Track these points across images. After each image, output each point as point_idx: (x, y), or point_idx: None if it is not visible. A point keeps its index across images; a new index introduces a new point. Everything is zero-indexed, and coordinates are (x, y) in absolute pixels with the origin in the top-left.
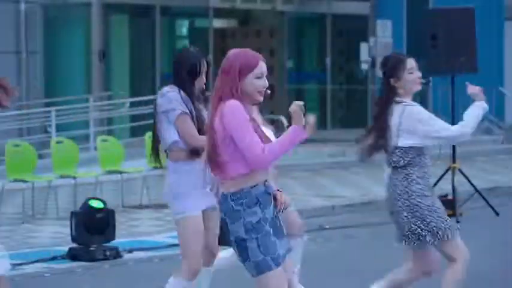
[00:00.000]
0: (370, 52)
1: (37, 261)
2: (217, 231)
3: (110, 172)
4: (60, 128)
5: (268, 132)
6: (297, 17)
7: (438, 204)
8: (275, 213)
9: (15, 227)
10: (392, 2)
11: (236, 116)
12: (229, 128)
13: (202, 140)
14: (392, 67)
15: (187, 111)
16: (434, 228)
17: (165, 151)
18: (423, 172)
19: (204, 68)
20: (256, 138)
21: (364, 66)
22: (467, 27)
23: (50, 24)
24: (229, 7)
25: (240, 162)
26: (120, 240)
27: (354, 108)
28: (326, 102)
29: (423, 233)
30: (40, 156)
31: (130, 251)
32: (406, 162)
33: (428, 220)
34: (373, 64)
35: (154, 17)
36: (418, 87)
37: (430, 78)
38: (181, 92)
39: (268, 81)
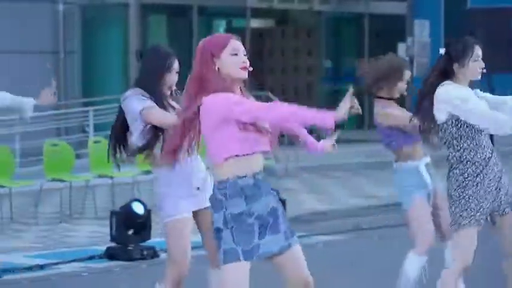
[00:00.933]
0: (408, 52)
1: (74, 260)
2: None
3: (147, 172)
4: (97, 128)
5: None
6: (334, 16)
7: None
8: (271, 207)
9: (52, 226)
10: (429, 2)
11: (222, 97)
12: (219, 112)
13: (172, 119)
14: (459, 51)
15: (150, 104)
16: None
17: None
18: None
19: (174, 65)
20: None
21: None
22: (505, 27)
23: (87, 25)
24: (266, 7)
25: (224, 147)
26: (157, 239)
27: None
28: (363, 102)
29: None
30: (78, 156)
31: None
32: None
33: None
34: (410, 64)
35: (192, 17)
36: (477, 76)
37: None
38: (144, 93)
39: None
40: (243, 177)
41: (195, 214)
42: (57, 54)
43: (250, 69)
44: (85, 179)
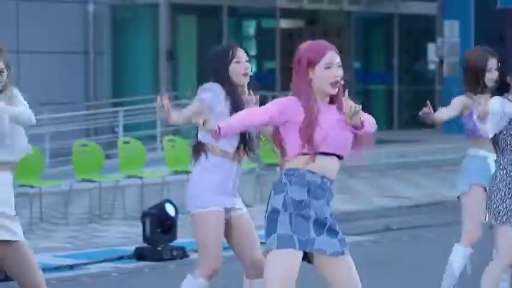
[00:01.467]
0: (437, 52)
1: (104, 260)
2: (255, 236)
3: (176, 172)
4: (127, 128)
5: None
6: (364, 17)
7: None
8: (326, 217)
9: (82, 226)
10: (459, 2)
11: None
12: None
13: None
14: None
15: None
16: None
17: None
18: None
19: (238, 54)
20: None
21: (432, 67)
22: None
23: (117, 25)
24: (296, 7)
25: (297, 144)
26: (186, 240)
27: (421, 109)
28: (393, 103)
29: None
30: (107, 157)
31: (197, 251)
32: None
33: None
34: (440, 64)
35: (222, 17)
36: None
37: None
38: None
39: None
40: (312, 172)
41: (228, 221)
42: (87, 54)
43: (342, 82)
44: (114, 179)
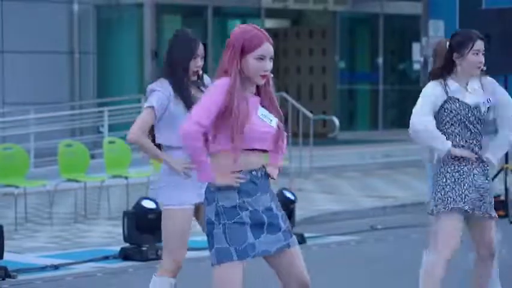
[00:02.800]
0: (422, 52)
1: (89, 260)
2: None
3: None
4: (112, 128)
5: (264, 118)
6: (349, 17)
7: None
8: (266, 207)
9: (67, 226)
10: (444, 2)
11: (211, 91)
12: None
13: (132, 133)
14: (459, 41)
15: (156, 105)
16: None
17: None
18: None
19: (199, 50)
20: (199, 112)
21: (417, 66)
22: None
23: (102, 25)
24: (281, 7)
25: (221, 139)
26: None
27: (406, 109)
28: (378, 103)
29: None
30: (92, 156)
31: None
32: None
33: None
34: (425, 64)
35: (207, 17)
36: (476, 72)
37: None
38: (171, 86)
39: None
40: (238, 171)
41: (198, 209)
42: (72, 54)
43: (271, 76)
44: (100, 179)
